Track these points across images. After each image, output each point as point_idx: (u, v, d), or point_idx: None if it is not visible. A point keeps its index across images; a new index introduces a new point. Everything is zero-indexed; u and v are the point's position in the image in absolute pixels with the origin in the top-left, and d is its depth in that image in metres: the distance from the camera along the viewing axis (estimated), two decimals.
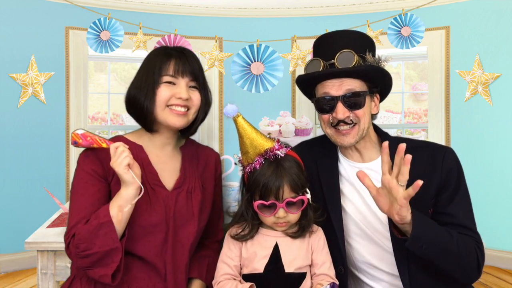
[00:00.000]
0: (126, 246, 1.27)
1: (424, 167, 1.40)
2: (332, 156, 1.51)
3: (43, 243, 1.68)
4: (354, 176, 1.45)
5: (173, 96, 1.35)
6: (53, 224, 1.92)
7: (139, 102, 1.35)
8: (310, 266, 1.34)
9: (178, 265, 1.37)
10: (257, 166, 1.31)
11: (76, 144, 1.30)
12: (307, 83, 1.47)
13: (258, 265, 1.31)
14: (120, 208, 1.23)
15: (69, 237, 1.25)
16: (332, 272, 1.32)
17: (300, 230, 1.34)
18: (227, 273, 1.32)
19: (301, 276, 1.30)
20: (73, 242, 1.24)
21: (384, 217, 1.40)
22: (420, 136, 5.00)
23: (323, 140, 1.52)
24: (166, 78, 1.35)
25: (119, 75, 5.59)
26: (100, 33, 2.13)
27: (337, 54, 1.36)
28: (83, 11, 2.82)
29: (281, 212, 1.28)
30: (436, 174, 1.39)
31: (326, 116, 1.41)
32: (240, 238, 1.35)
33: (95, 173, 1.32)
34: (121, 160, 1.22)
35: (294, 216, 1.31)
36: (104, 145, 1.30)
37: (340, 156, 1.51)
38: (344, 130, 1.39)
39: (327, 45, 1.43)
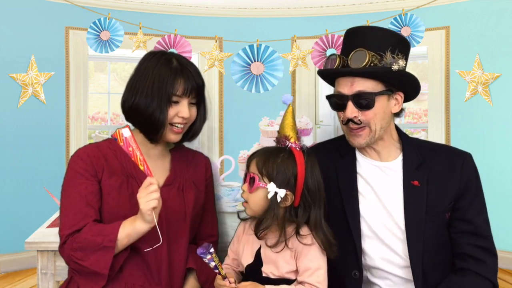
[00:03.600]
0: None
1: (443, 170, 1.41)
2: (350, 156, 1.49)
3: (43, 243, 1.68)
4: (371, 174, 1.45)
5: (176, 115, 1.37)
6: (53, 224, 1.92)
7: (154, 115, 1.35)
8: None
9: (172, 259, 1.39)
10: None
11: (115, 140, 1.24)
12: (327, 77, 1.49)
13: (244, 264, 1.34)
14: (129, 237, 1.27)
15: (65, 237, 1.29)
16: (314, 279, 1.27)
17: (255, 231, 1.31)
18: (226, 263, 1.39)
19: (281, 282, 1.29)
20: (70, 244, 1.28)
21: (399, 217, 1.39)
22: (420, 136, 5.00)
23: (340, 141, 1.51)
24: (174, 98, 1.36)
25: (119, 75, 5.58)
26: (100, 33, 2.12)
27: (352, 53, 1.36)
28: (83, 11, 2.81)
29: (244, 185, 1.34)
30: (455, 180, 1.40)
31: (339, 113, 1.42)
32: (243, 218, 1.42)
33: (86, 172, 1.35)
34: (148, 202, 1.21)
35: (250, 197, 1.30)
36: (141, 167, 1.25)
37: (358, 155, 1.49)
38: (355, 130, 1.39)
39: (349, 41, 1.43)
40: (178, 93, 1.36)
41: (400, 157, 1.45)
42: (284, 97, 1.46)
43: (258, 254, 1.32)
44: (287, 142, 1.35)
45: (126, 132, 1.23)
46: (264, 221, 1.28)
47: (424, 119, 5.38)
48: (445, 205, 1.39)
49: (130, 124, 1.30)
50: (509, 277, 3.46)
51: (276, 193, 1.27)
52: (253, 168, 1.31)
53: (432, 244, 1.37)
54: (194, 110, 1.43)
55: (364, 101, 1.35)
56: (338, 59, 1.39)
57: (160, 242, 1.26)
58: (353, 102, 1.36)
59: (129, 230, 1.26)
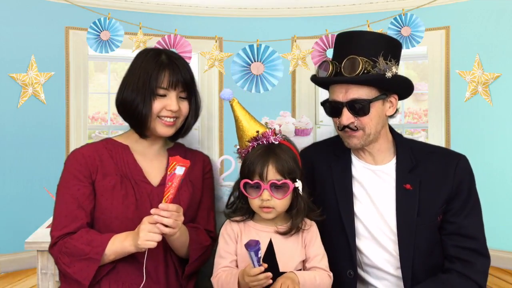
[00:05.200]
0: None
1: (436, 172, 1.41)
2: (346, 158, 1.49)
3: (43, 243, 1.68)
4: (365, 178, 1.45)
5: (164, 108, 1.38)
6: None
7: (138, 108, 1.37)
8: (304, 260, 1.33)
9: (168, 258, 1.39)
10: (249, 150, 1.35)
11: (167, 168, 1.22)
12: (320, 83, 1.49)
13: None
14: (116, 254, 1.29)
15: (55, 238, 1.32)
16: (323, 264, 1.31)
17: (292, 229, 1.31)
18: (226, 266, 1.32)
19: None
20: (60, 247, 1.30)
21: (391, 220, 1.40)
22: (420, 136, 5.00)
23: (336, 142, 1.51)
24: (159, 91, 1.37)
25: (119, 75, 5.58)
26: (100, 33, 2.12)
27: (344, 60, 1.36)
28: (83, 11, 2.82)
29: (265, 194, 1.27)
30: (448, 182, 1.40)
31: (335, 119, 1.42)
32: (235, 218, 1.37)
33: (79, 173, 1.36)
34: (148, 241, 1.21)
35: (279, 202, 1.28)
36: (164, 199, 1.23)
37: (353, 157, 1.50)
38: (349, 132, 1.39)
39: (340, 47, 1.43)
40: (163, 86, 1.36)
41: (394, 160, 1.46)
42: (223, 93, 1.42)
43: (268, 250, 1.31)
44: (271, 137, 1.36)
45: (180, 170, 1.22)
46: (299, 218, 1.31)
47: (424, 119, 5.37)
48: (437, 208, 1.40)
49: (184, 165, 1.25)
50: (509, 277, 3.46)
51: (300, 187, 1.31)
52: (274, 175, 1.28)
53: (424, 246, 1.38)
54: (184, 104, 1.42)
55: (359, 108, 1.35)
56: (331, 66, 1.39)
57: (144, 281, 1.29)
58: (348, 109, 1.36)
59: (117, 249, 1.28)
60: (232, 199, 1.42)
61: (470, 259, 1.37)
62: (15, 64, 3.59)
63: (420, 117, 5.53)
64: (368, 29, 2.61)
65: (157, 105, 1.37)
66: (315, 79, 1.46)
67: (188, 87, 1.42)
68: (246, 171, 1.31)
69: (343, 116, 1.36)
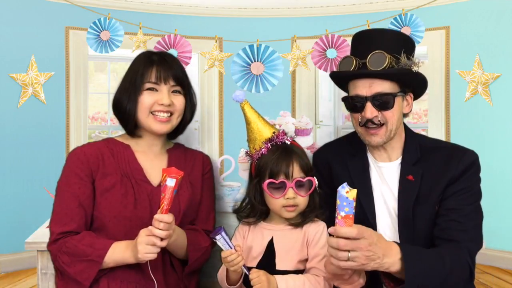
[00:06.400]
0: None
1: (439, 166, 1.43)
2: (362, 157, 1.52)
3: (43, 243, 1.67)
4: (376, 177, 1.48)
5: (155, 103, 1.38)
6: None
7: (122, 105, 1.40)
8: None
9: (166, 257, 1.40)
10: (265, 151, 1.36)
11: (162, 178, 1.21)
12: (340, 79, 1.50)
13: (253, 259, 1.34)
14: (115, 262, 1.29)
15: (56, 234, 1.32)
16: (322, 265, 1.29)
17: (301, 219, 1.33)
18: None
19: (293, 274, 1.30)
20: (60, 246, 1.30)
21: (395, 221, 1.42)
22: None
23: (350, 140, 1.54)
24: (148, 85, 1.38)
25: (119, 75, 5.58)
26: (100, 33, 2.12)
27: (370, 55, 1.37)
28: (83, 11, 2.81)
29: (290, 193, 1.29)
30: (450, 172, 1.41)
31: (356, 115, 1.43)
32: (249, 219, 1.39)
33: (81, 171, 1.36)
34: (147, 253, 1.22)
35: (302, 199, 1.31)
36: (159, 209, 1.22)
37: (369, 156, 1.52)
38: (372, 130, 1.40)
39: (363, 43, 1.45)
40: (151, 80, 1.38)
41: (400, 158, 1.48)
42: (235, 95, 1.43)
43: (268, 247, 1.33)
44: (284, 138, 1.39)
45: (170, 182, 1.22)
46: (313, 213, 1.35)
47: (424, 119, 5.37)
48: (435, 196, 1.40)
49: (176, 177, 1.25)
50: (509, 277, 3.45)
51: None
52: (299, 173, 1.32)
53: (423, 233, 1.39)
54: (179, 98, 1.43)
55: (384, 102, 1.38)
56: (354, 62, 1.40)
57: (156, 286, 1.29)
58: (372, 103, 1.37)
59: (118, 258, 1.28)
60: (244, 203, 1.43)
61: (455, 238, 1.34)
62: (15, 64, 3.59)
63: (420, 117, 5.52)
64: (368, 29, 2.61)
65: (148, 99, 1.38)
66: (338, 74, 1.47)
67: (180, 82, 1.42)
68: (268, 172, 1.32)
69: (367, 110, 1.37)
